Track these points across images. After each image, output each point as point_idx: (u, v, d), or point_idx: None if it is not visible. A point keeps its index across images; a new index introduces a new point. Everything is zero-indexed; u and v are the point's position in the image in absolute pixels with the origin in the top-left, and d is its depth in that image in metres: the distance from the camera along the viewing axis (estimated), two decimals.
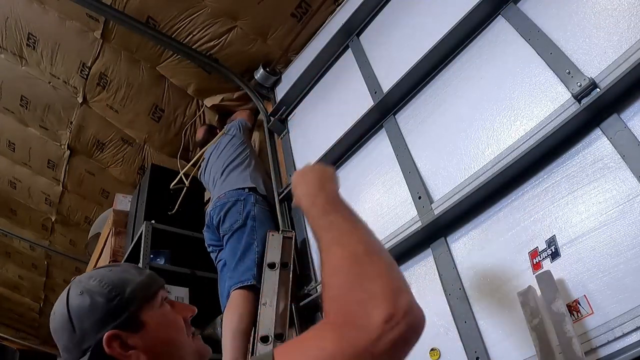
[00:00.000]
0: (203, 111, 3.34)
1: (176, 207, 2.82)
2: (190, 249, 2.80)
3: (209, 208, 2.46)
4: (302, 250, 2.17)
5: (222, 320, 2.08)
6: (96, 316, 0.73)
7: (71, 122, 3.52)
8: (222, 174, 2.51)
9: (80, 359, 0.71)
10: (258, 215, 2.24)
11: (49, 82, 3.29)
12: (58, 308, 0.77)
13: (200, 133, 3.11)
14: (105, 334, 0.71)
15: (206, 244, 2.44)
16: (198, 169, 2.92)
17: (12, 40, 3.08)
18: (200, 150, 3.13)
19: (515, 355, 1.23)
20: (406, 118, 1.89)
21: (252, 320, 1.92)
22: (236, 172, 2.48)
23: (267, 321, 1.82)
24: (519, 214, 1.36)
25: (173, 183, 2.84)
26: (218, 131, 2.99)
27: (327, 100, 2.40)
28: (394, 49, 2.05)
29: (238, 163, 2.54)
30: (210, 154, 2.72)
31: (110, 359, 0.70)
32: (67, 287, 0.80)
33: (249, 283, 1.99)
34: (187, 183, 2.82)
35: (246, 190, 2.34)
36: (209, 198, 2.92)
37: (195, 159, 2.87)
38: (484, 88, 1.59)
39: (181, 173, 2.87)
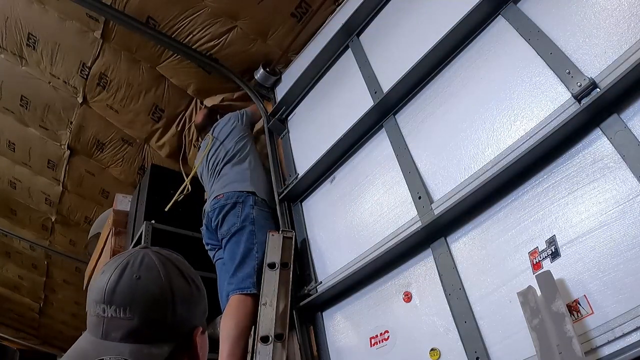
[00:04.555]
0: None
1: (170, 204, 2.71)
2: (190, 249, 2.79)
3: (207, 206, 2.43)
4: (302, 250, 2.17)
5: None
6: (195, 307, 0.75)
7: (71, 122, 3.53)
8: (221, 170, 2.47)
9: (170, 343, 0.70)
10: (257, 218, 2.19)
11: (49, 82, 3.29)
12: (151, 279, 0.71)
13: (199, 117, 3.02)
14: (199, 328, 0.74)
15: (204, 242, 2.42)
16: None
17: (12, 40, 3.08)
18: (197, 132, 3.05)
19: (515, 355, 1.23)
20: (406, 118, 1.89)
21: (249, 325, 1.91)
22: (235, 171, 2.43)
23: (267, 321, 1.82)
24: (519, 214, 1.36)
25: (177, 193, 2.75)
26: (219, 117, 2.95)
27: (327, 100, 2.40)
28: (394, 49, 2.05)
29: (238, 160, 2.48)
30: (207, 144, 2.66)
31: (188, 348, 0.73)
32: (157, 257, 0.73)
33: (249, 292, 1.97)
34: (188, 185, 2.76)
35: (245, 192, 2.29)
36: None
37: (191, 174, 2.76)
38: (484, 88, 1.59)
39: (186, 182, 2.80)
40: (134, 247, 2.81)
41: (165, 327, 0.70)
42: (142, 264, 0.71)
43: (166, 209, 2.68)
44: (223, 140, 2.60)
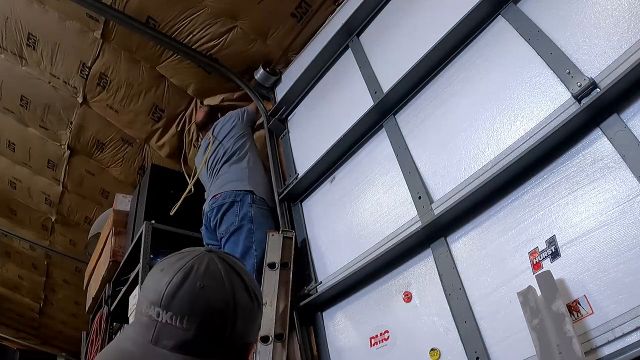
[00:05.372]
0: None
1: (175, 207, 2.69)
2: None
3: (205, 206, 2.43)
4: (302, 250, 2.17)
5: None
6: (253, 323, 0.70)
7: (71, 122, 3.53)
8: (220, 170, 2.46)
9: (221, 359, 0.66)
10: (255, 216, 2.19)
11: (49, 82, 3.29)
12: (216, 290, 0.65)
13: (200, 115, 3.00)
14: (253, 345, 0.70)
15: (204, 242, 2.42)
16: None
17: (12, 40, 3.08)
18: (198, 130, 3.01)
19: (515, 355, 1.23)
20: (406, 118, 1.89)
21: None
22: (233, 170, 2.42)
23: (267, 321, 1.82)
24: (519, 214, 1.36)
25: (183, 196, 2.70)
26: (220, 115, 2.94)
27: (327, 100, 2.40)
28: (394, 49, 2.05)
29: (236, 159, 2.48)
30: (208, 143, 2.65)
31: None
32: (223, 265, 0.68)
33: None
34: (191, 187, 2.75)
35: (242, 191, 2.29)
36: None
37: (195, 177, 2.74)
38: (484, 88, 1.59)
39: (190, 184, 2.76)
40: (133, 247, 2.82)
41: (221, 343, 0.65)
42: (207, 272, 0.66)
43: (171, 213, 2.68)
44: (222, 139, 2.60)
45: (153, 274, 0.68)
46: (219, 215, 2.23)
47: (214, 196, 2.32)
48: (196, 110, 3.31)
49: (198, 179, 2.80)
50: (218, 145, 2.59)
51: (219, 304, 0.65)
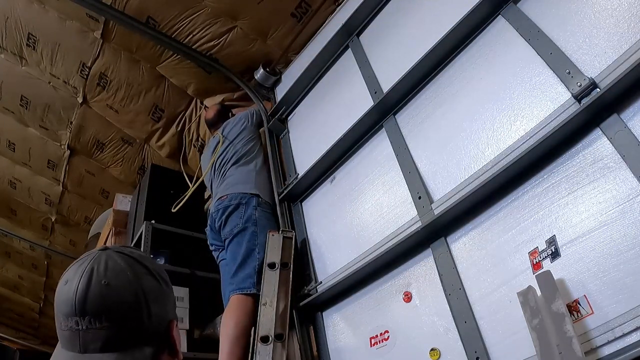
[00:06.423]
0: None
1: (179, 205, 2.70)
2: (190, 249, 2.80)
3: (211, 207, 2.43)
4: (302, 250, 2.17)
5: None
6: (167, 302, 0.73)
7: (71, 122, 3.53)
8: (227, 171, 2.46)
9: (150, 344, 0.68)
10: (260, 219, 2.20)
11: (49, 82, 3.29)
12: (121, 284, 0.67)
13: (211, 112, 2.95)
14: (173, 321, 0.72)
15: (208, 243, 2.42)
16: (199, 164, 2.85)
17: (12, 40, 3.08)
18: (208, 127, 3.00)
19: (515, 355, 1.23)
20: (406, 118, 1.89)
21: (248, 325, 1.91)
22: (240, 172, 2.43)
23: (267, 321, 1.82)
24: (519, 214, 1.36)
25: (187, 194, 2.71)
26: (231, 114, 2.94)
27: (327, 100, 2.40)
28: (394, 49, 2.05)
29: (244, 162, 2.48)
30: (218, 142, 2.64)
31: (167, 344, 0.71)
32: (122, 258, 0.70)
33: (249, 292, 1.97)
34: (191, 187, 2.75)
35: (248, 194, 2.30)
36: (209, 196, 2.89)
37: (203, 176, 2.74)
38: (484, 88, 1.59)
39: (189, 187, 2.77)
40: (134, 246, 2.81)
41: (143, 330, 0.67)
42: (107, 269, 0.68)
43: (174, 210, 2.69)
44: (232, 140, 2.59)
45: (60, 289, 0.69)
46: (223, 217, 2.23)
47: (220, 198, 2.33)
48: (196, 110, 3.31)
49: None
50: (228, 145, 2.57)
51: (128, 296, 0.67)
